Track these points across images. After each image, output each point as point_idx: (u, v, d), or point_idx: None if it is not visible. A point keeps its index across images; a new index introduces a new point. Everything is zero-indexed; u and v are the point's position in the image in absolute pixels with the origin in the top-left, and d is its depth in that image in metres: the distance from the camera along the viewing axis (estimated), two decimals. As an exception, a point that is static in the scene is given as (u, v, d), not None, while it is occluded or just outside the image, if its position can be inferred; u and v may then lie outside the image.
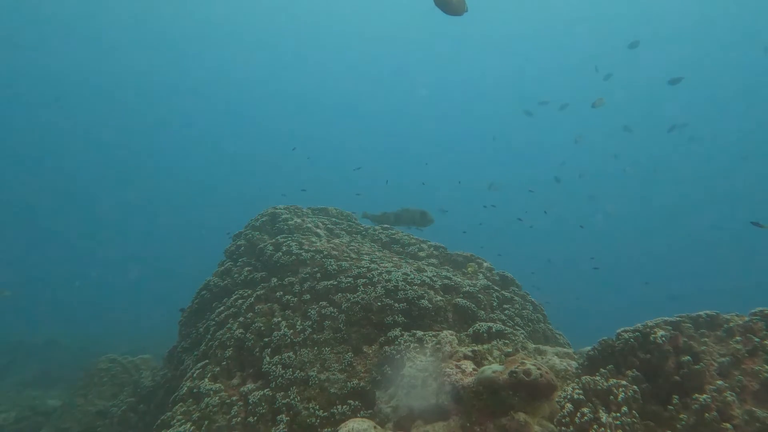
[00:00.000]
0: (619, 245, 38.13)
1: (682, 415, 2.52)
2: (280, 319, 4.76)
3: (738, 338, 2.85)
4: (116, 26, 44.00)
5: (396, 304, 4.57)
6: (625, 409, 2.57)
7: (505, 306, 5.22)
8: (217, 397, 4.06)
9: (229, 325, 4.90)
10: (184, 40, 48.91)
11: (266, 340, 4.53)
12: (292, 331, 4.54)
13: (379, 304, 4.60)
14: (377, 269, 5.11)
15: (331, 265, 5.22)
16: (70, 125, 49.40)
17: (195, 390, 4.19)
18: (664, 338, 2.87)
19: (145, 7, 43.51)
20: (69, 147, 50.04)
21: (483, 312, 4.83)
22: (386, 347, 4.14)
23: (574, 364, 3.61)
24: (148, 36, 46.41)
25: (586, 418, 2.59)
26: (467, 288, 5.09)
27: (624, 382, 2.75)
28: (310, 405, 3.79)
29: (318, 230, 6.76)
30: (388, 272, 5.02)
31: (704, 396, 2.51)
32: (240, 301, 5.22)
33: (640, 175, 39.92)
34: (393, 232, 7.28)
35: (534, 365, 3.02)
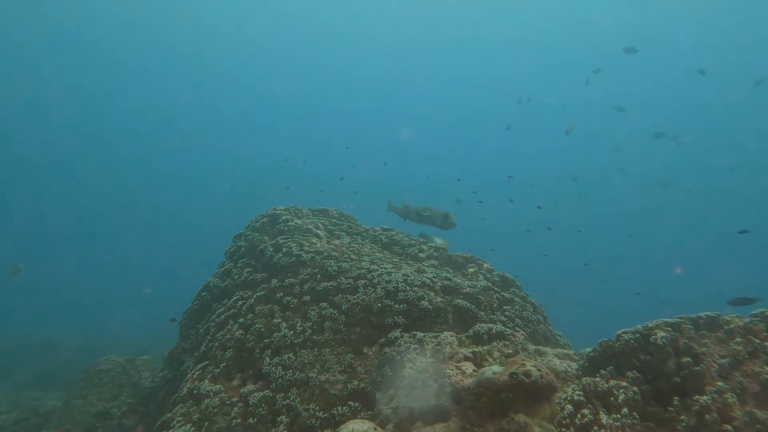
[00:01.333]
0: (618, 246, 38.15)
1: (682, 417, 2.51)
2: (280, 320, 4.76)
3: (738, 340, 2.85)
4: (116, 25, 44.09)
5: (396, 306, 4.57)
6: (625, 410, 2.57)
7: (505, 307, 5.22)
8: (217, 399, 4.05)
9: (229, 326, 4.90)
10: (186, 39, 49.01)
11: (266, 341, 4.53)
12: (292, 332, 4.54)
13: (379, 305, 4.60)
14: (377, 270, 5.11)
15: (332, 267, 5.22)
16: (74, 126, 49.54)
17: (195, 391, 4.19)
18: (664, 339, 2.86)
19: (145, 6, 43.61)
20: (70, 147, 50.11)
21: (483, 313, 4.83)
22: (386, 348, 4.14)
23: (574, 365, 3.60)
24: (148, 35, 46.49)
25: (586, 419, 2.58)
26: (467, 289, 5.09)
27: (624, 384, 2.75)
28: (311, 406, 3.79)
29: (318, 231, 6.76)
30: (389, 273, 5.02)
31: (705, 397, 2.50)
32: (240, 302, 5.22)
33: (638, 178, 40.00)
34: (393, 233, 7.27)
35: (534, 366, 3.02)
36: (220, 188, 52.43)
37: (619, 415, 2.55)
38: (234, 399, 4.07)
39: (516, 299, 5.53)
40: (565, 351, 4.20)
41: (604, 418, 2.55)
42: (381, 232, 7.27)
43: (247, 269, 5.91)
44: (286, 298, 5.04)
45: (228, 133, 58.17)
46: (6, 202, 44.15)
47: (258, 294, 5.23)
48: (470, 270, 6.25)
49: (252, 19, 49.58)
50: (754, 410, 2.38)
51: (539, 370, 3.00)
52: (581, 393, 2.82)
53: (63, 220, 46.00)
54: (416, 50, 52.67)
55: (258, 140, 58.24)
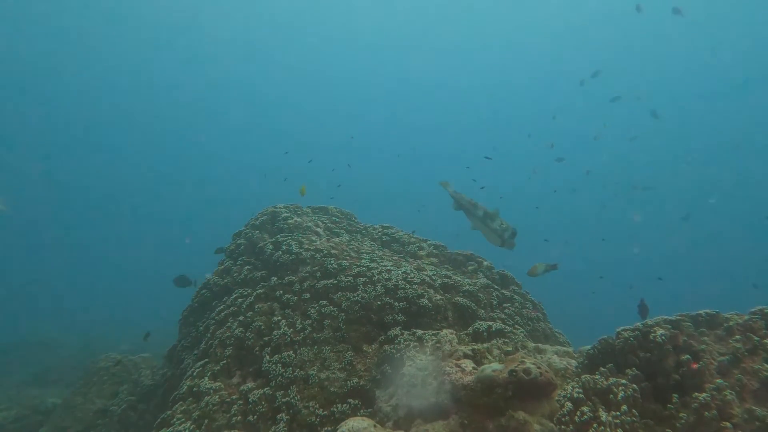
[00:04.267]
0: (619, 245, 38.15)
1: (681, 414, 2.52)
2: (280, 317, 4.76)
3: (738, 337, 2.85)
4: (117, 25, 43.97)
5: (396, 303, 4.57)
6: (624, 407, 2.58)
7: (504, 305, 5.23)
8: (217, 396, 4.06)
9: (229, 324, 4.90)
10: (187, 41, 48.85)
11: (266, 338, 4.53)
12: (292, 330, 4.54)
13: (379, 303, 4.60)
14: (377, 268, 5.11)
15: (331, 264, 5.22)
16: (73, 125, 49.42)
17: (195, 389, 4.19)
18: (663, 337, 2.87)
19: (148, 6, 43.48)
20: (68, 146, 50.01)
21: (483, 311, 4.84)
22: (386, 346, 4.14)
23: (573, 362, 3.61)
24: (148, 36, 46.34)
25: (585, 416, 2.59)
26: (467, 287, 5.09)
27: (624, 381, 2.75)
28: (310, 404, 3.79)
29: (318, 229, 6.75)
30: (388, 271, 5.02)
31: (704, 395, 2.51)
32: (240, 300, 5.21)
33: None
34: (393, 230, 7.27)
35: (534, 364, 3.02)
36: (220, 186, 52.42)
37: (618, 413, 2.56)
38: (234, 397, 4.07)
39: (516, 297, 5.54)
40: (565, 349, 4.20)
41: (603, 416, 2.55)
42: (381, 230, 7.27)
43: (246, 267, 5.91)
44: (286, 296, 5.04)
45: (227, 132, 58.08)
46: (5, 201, 44.05)
47: (258, 292, 5.22)
48: (470, 268, 6.25)
49: (250, 19, 49.41)
50: (753, 407, 2.39)
51: (539, 367, 3.00)
52: (581, 390, 2.83)
53: (63, 218, 45.99)
54: (415, 52, 52.59)
55: (258, 140, 58.16)
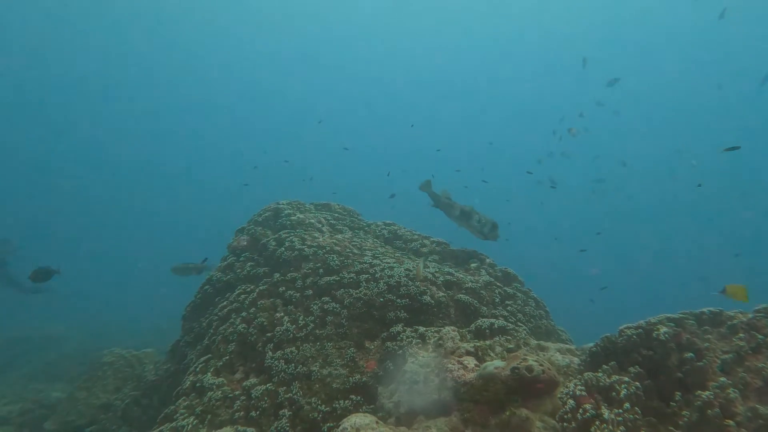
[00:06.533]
0: (621, 243, 38.06)
1: (684, 412, 2.52)
2: (282, 314, 4.78)
3: (741, 335, 2.85)
4: (115, 23, 43.95)
5: (398, 300, 4.58)
6: (627, 405, 2.58)
7: (507, 302, 5.22)
8: (220, 392, 4.08)
9: (231, 320, 4.92)
10: (186, 39, 48.79)
11: (269, 335, 4.54)
12: (294, 326, 4.56)
13: (381, 299, 4.61)
14: (379, 265, 5.12)
15: (334, 261, 5.23)
16: (74, 125, 49.54)
17: (198, 384, 4.21)
18: (666, 335, 2.86)
19: (146, 4, 43.41)
20: (68, 143, 50.17)
21: (485, 308, 4.84)
22: (388, 343, 4.16)
23: (576, 360, 3.61)
24: (147, 34, 46.30)
25: (588, 414, 2.59)
26: (469, 284, 5.09)
27: (626, 379, 2.75)
28: (312, 400, 3.81)
29: (320, 226, 6.76)
30: (391, 268, 5.03)
31: (707, 393, 2.50)
32: (243, 296, 5.23)
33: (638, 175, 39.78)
34: (395, 227, 7.27)
35: (536, 361, 3.02)
36: (222, 184, 52.48)
37: (620, 410, 2.56)
38: (237, 392, 4.09)
39: (518, 294, 5.53)
40: (567, 346, 4.20)
41: (605, 413, 2.55)
42: (383, 226, 7.27)
43: (249, 263, 5.93)
44: (289, 292, 5.05)
45: (227, 131, 58.11)
46: (9, 195, 44.34)
47: (260, 288, 5.24)
48: (472, 265, 6.25)
49: (249, 19, 49.27)
50: (757, 406, 2.38)
51: (541, 365, 3.01)
52: (583, 388, 2.83)
53: (65, 215, 46.18)
54: (413, 51, 52.44)
55: (259, 139, 58.21)
